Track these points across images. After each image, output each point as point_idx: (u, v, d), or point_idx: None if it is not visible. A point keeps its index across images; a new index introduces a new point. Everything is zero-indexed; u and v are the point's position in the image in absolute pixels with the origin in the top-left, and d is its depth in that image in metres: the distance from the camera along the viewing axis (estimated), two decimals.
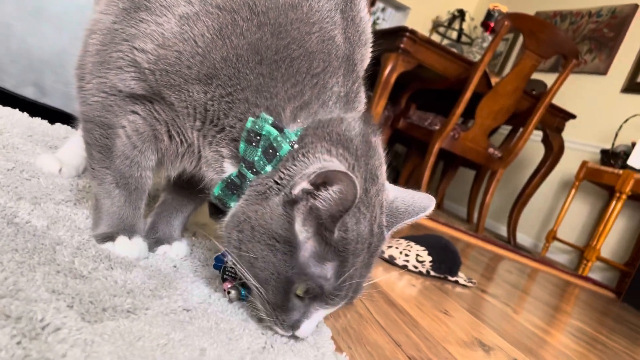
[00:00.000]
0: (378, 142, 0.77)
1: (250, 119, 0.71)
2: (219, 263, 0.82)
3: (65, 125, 1.54)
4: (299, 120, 0.73)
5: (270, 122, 0.71)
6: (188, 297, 0.75)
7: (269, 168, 0.71)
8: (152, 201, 0.97)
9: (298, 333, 0.71)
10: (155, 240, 0.89)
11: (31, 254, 0.66)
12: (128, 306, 0.64)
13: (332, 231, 0.66)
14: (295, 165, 0.69)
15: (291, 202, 0.67)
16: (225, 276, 0.80)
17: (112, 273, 0.72)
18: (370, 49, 0.87)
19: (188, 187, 0.91)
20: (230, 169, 0.75)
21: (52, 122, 1.54)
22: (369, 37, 0.85)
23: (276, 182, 0.69)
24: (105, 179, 0.82)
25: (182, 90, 0.73)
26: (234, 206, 0.73)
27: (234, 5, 0.71)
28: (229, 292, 0.79)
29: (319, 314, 0.71)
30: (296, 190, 0.66)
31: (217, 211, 0.80)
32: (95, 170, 0.82)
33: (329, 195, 0.64)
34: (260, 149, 0.71)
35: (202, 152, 0.78)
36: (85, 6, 1.57)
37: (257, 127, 0.71)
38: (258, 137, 0.71)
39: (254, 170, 0.71)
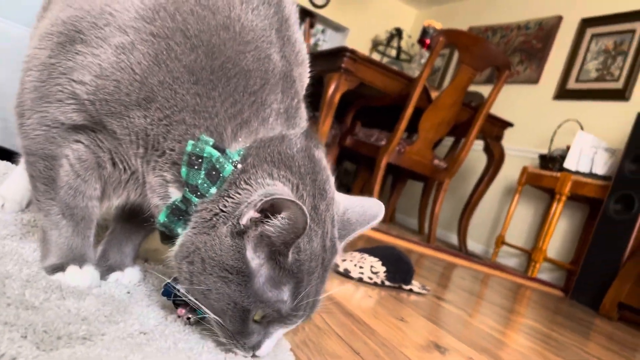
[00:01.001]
0: (321, 155, 0.78)
1: (190, 142, 0.71)
2: (169, 290, 0.79)
3: (4, 161, 1.50)
4: (240, 139, 0.73)
5: (211, 143, 0.70)
6: (144, 321, 0.74)
7: (213, 190, 0.70)
8: (102, 231, 0.97)
9: (258, 353, 0.72)
10: (107, 268, 0.88)
11: None
12: (83, 333, 0.64)
13: (286, 255, 0.66)
14: (239, 193, 0.68)
15: (240, 232, 0.67)
16: (177, 301, 0.78)
17: (65, 302, 0.71)
18: (309, 69, 0.89)
19: (136, 215, 0.90)
20: (175, 193, 0.74)
21: None
22: (305, 57, 0.87)
23: (222, 210, 0.69)
24: (52, 210, 0.81)
25: (122, 117, 0.73)
26: (182, 233, 0.72)
27: (167, 32, 0.72)
28: (188, 318, 0.77)
29: (278, 333, 0.72)
30: (244, 221, 0.66)
31: (168, 237, 0.79)
32: (41, 202, 0.81)
33: (279, 222, 0.64)
34: (203, 172, 0.70)
35: (146, 178, 0.77)
36: (20, 39, 1.55)
37: (197, 149, 0.70)
38: (200, 160, 0.70)
39: (199, 193, 0.71)
